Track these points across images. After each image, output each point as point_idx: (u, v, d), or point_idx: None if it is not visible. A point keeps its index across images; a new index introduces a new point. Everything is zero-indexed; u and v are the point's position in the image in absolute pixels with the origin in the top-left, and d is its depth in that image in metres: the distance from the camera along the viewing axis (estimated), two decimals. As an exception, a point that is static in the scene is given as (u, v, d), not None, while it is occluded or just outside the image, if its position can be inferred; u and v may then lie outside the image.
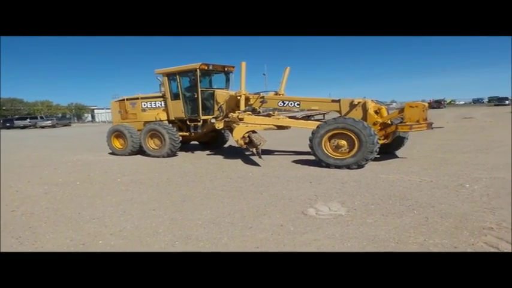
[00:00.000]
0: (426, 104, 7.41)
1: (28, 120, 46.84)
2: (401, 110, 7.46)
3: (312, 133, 7.50)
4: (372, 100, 7.81)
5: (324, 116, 9.26)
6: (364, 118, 7.46)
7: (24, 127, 44.55)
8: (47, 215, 4.78)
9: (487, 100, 74.87)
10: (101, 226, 4.23)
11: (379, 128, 7.42)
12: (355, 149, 6.95)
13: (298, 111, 10.30)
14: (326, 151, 7.31)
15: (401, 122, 7.38)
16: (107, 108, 51.46)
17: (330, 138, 7.31)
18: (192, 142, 12.17)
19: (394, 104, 66.44)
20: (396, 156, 8.24)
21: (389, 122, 7.60)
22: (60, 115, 61.15)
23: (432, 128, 7.57)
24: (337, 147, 7.26)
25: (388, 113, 7.82)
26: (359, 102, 7.63)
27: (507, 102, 53.73)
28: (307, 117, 9.28)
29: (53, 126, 44.55)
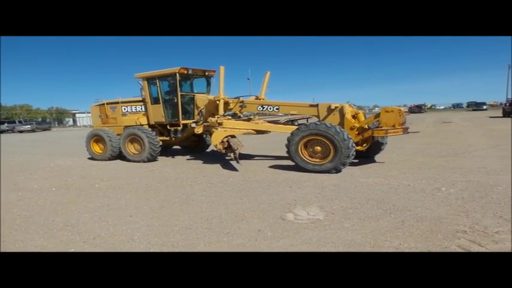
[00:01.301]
0: (403, 109, 7.38)
1: (6, 124, 45.45)
2: (378, 115, 7.42)
3: (288, 140, 7.48)
4: (350, 105, 7.84)
5: (307, 120, 9.27)
6: (342, 123, 7.49)
7: (1, 132, 43.27)
8: (18, 222, 4.62)
9: (465, 105, 76.89)
10: (74, 233, 4.11)
11: (357, 132, 7.42)
12: (332, 154, 6.94)
13: (282, 115, 10.30)
14: (304, 157, 7.30)
15: (377, 127, 7.40)
16: (88, 112, 50.49)
17: (306, 144, 7.32)
18: (174, 147, 12.05)
19: (377, 108, 67.49)
20: (376, 161, 8.34)
21: (366, 126, 7.62)
22: (40, 119, 59.66)
23: (408, 133, 7.63)
24: (314, 153, 7.27)
25: (365, 118, 7.83)
26: (336, 107, 7.64)
27: (484, 107, 55.57)
28: (291, 122, 9.27)
29: (33, 130, 43.42)
